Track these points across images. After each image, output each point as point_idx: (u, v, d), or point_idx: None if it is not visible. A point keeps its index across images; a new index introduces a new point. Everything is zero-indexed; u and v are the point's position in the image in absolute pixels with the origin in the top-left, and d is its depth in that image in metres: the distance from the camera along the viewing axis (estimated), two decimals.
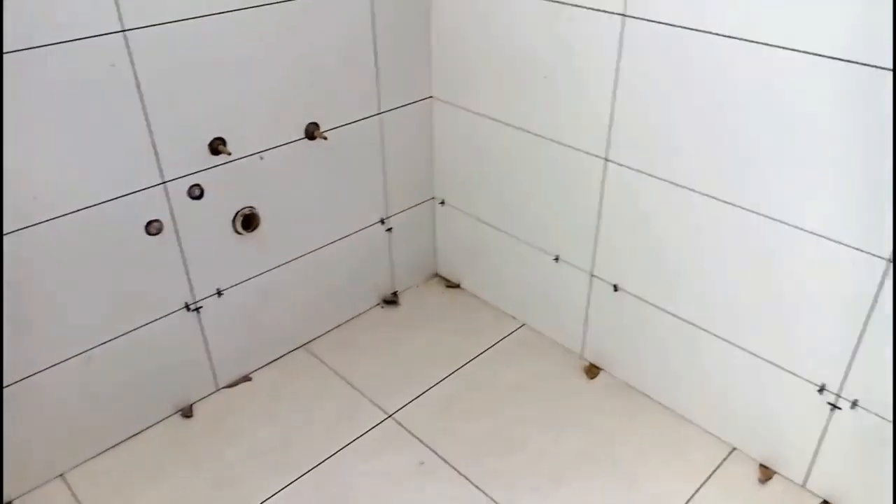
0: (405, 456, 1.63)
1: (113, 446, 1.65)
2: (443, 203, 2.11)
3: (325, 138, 1.72)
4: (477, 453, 1.63)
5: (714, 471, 1.58)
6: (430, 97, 1.96)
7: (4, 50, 1.21)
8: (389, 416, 1.73)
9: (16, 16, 1.21)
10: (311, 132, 1.71)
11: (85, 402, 1.56)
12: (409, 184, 2.04)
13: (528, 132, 1.75)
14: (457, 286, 2.20)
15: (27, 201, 1.33)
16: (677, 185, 1.50)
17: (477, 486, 1.55)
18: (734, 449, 1.64)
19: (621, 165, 1.59)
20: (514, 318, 2.07)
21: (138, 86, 1.39)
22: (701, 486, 1.55)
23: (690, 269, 1.56)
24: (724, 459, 1.61)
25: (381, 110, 1.86)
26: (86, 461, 1.61)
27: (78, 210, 1.40)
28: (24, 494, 1.53)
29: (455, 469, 1.59)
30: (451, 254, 2.19)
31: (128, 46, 1.35)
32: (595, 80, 1.55)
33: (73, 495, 1.53)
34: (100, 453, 1.63)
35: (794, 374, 1.47)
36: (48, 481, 1.56)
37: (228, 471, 1.59)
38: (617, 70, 1.50)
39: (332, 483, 1.56)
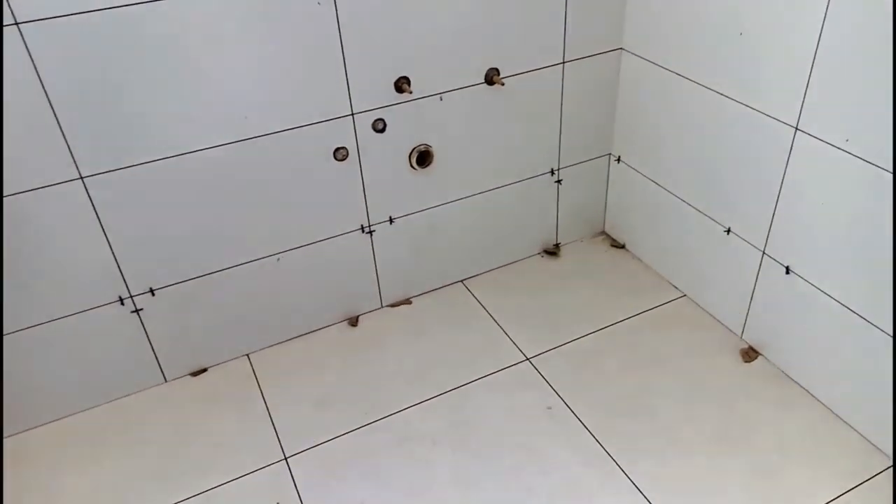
0: (535, 398, 1.69)
1: (289, 339, 1.91)
2: (619, 160, 2.07)
3: (503, 84, 1.77)
4: (606, 411, 1.65)
5: (863, 482, 1.44)
6: (620, 49, 1.91)
7: None
8: (527, 360, 1.80)
9: None
10: (491, 77, 1.77)
11: (271, 296, 1.82)
12: (585, 137, 2.03)
13: (716, 92, 1.65)
14: (622, 247, 2.17)
15: (240, 120, 1.56)
16: (878, 166, 1.33)
17: (598, 441, 1.58)
18: (894, 465, 1.47)
19: (813, 136, 1.45)
20: (675, 287, 2.00)
21: (339, 25, 1.54)
22: (844, 492, 1.42)
23: (875, 262, 1.40)
24: (879, 473, 1.46)
25: (566, 59, 1.85)
26: (266, 347, 1.89)
27: (279, 131, 1.61)
28: (215, 365, 1.85)
29: (580, 421, 1.63)
30: (620, 213, 2.15)
31: None
32: (794, 39, 1.41)
33: (253, 371, 1.82)
34: (278, 343, 1.90)
35: None
36: (236, 357, 1.86)
37: (377, 377, 1.78)
38: (821, 29, 1.35)
39: (462, 407, 1.68)
